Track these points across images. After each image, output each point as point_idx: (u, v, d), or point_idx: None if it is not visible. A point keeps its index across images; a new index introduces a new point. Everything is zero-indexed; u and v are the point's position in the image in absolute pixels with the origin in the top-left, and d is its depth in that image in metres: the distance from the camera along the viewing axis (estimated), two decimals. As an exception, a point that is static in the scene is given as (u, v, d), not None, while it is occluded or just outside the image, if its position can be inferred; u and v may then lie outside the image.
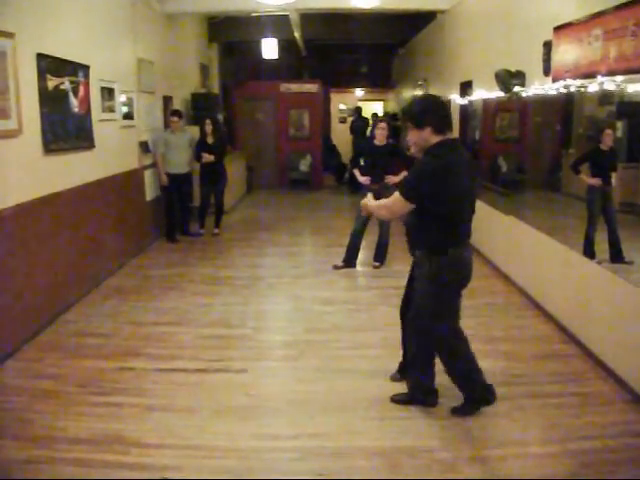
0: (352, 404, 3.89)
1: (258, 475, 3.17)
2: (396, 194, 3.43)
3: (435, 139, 3.37)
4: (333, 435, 3.54)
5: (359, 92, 18.85)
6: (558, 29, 4.97)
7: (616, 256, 4.49)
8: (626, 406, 3.81)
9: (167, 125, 8.92)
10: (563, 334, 4.94)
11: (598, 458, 3.27)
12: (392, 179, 6.88)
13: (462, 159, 3.47)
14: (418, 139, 3.42)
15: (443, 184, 3.30)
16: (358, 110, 16.20)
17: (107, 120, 6.71)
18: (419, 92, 12.12)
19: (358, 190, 7.66)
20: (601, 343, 4.38)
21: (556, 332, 5.02)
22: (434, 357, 3.76)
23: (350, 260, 7.11)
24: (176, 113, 8.64)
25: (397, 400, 3.88)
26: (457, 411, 3.73)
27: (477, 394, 3.69)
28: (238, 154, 12.81)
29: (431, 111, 3.40)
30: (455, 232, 3.48)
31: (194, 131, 9.32)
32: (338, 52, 16.77)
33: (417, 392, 3.84)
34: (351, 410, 3.82)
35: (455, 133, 8.88)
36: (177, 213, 8.66)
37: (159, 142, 8.36)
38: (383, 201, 3.67)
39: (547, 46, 5.21)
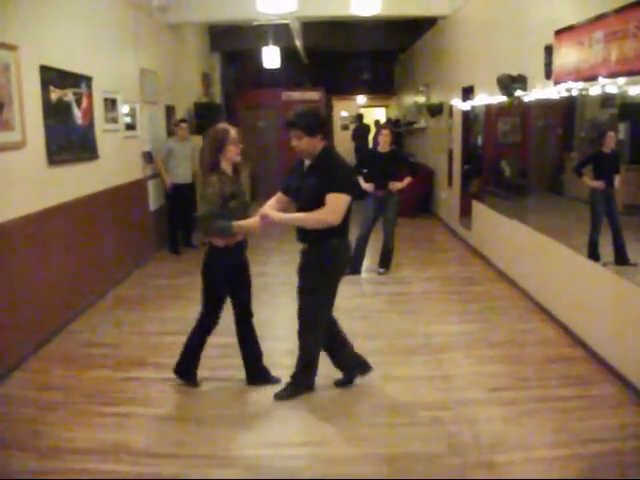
0: (359, 411, 3.89)
1: (266, 483, 3.17)
2: (333, 196, 3.64)
3: (321, 145, 3.81)
4: (340, 442, 3.53)
5: (361, 99, 18.86)
6: (559, 33, 4.97)
7: (621, 258, 4.47)
8: (634, 408, 3.80)
9: (170, 134, 8.93)
10: (569, 337, 4.92)
11: (607, 461, 3.25)
12: (396, 185, 6.88)
13: None
14: (309, 146, 3.79)
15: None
16: (359, 117, 16.23)
17: (110, 131, 6.74)
18: (421, 98, 12.16)
19: (361, 197, 7.65)
20: (607, 345, 4.37)
21: (562, 335, 5.01)
22: (340, 330, 4.17)
23: (355, 267, 7.09)
24: (183, 120, 8.69)
25: (341, 383, 4.18)
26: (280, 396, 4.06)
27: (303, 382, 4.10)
28: (242, 163, 12.83)
29: (320, 121, 3.89)
30: (343, 225, 3.79)
31: (197, 140, 9.33)
32: (339, 59, 16.78)
33: (353, 368, 4.21)
34: (358, 417, 3.82)
35: (457, 138, 8.93)
36: (180, 224, 8.62)
37: (162, 149, 8.30)
38: (322, 211, 3.68)
39: (548, 50, 5.22)
